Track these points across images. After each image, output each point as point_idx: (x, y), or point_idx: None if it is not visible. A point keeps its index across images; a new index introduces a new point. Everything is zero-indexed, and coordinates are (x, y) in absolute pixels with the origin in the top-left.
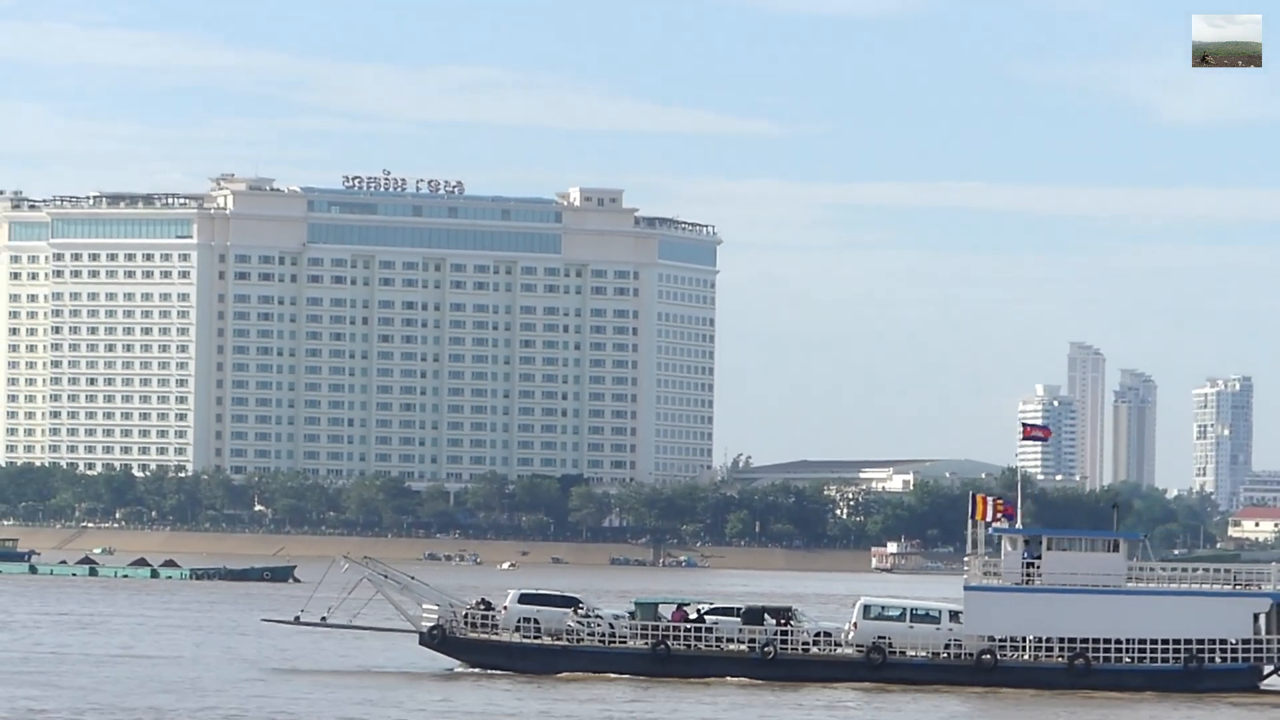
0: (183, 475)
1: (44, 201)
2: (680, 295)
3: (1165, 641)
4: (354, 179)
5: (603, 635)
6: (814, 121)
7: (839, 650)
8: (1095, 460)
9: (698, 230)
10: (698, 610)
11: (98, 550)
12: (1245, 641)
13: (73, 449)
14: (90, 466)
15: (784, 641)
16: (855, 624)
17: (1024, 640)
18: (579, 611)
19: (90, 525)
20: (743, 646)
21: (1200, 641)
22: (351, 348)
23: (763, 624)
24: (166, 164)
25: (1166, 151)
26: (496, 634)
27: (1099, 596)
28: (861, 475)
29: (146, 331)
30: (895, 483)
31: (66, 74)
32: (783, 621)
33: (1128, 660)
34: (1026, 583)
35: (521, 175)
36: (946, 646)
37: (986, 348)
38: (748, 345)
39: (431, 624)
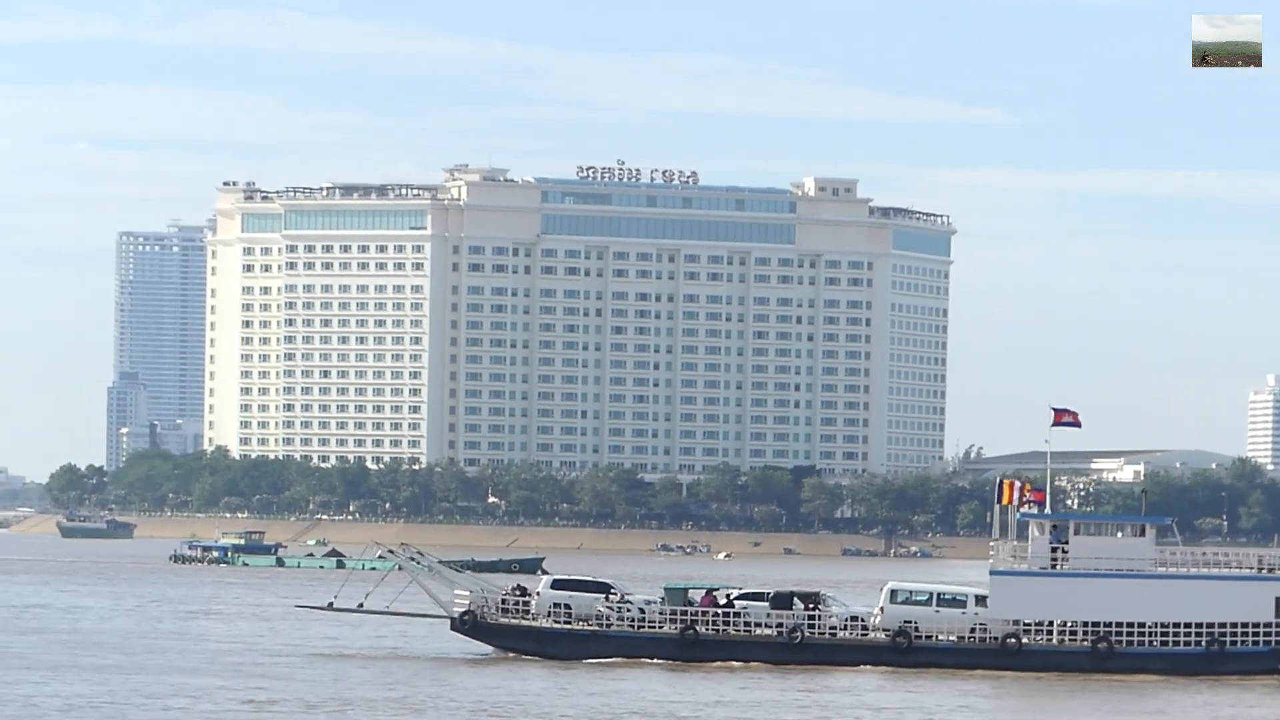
0: (416, 467)
1: (277, 193)
2: (914, 285)
3: (1188, 625)
4: (588, 169)
5: (633, 620)
6: (1048, 110)
7: (866, 635)
8: None
9: (931, 220)
10: (727, 595)
11: (311, 542)
12: (1267, 625)
13: (306, 441)
14: (324, 459)
15: (811, 626)
16: (882, 608)
17: (1049, 624)
18: (610, 597)
19: (324, 518)
20: (770, 631)
21: (1222, 625)
22: (585, 339)
23: (791, 609)
24: (397, 155)
25: None
26: (528, 619)
27: (1122, 580)
28: (1092, 466)
29: (380, 323)
30: (1126, 473)
31: (296, 64)
32: (811, 606)
33: (1151, 644)
34: (1053, 567)
35: (755, 165)
36: (972, 630)
37: (1218, 337)
38: (980, 335)
39: (463, 610)
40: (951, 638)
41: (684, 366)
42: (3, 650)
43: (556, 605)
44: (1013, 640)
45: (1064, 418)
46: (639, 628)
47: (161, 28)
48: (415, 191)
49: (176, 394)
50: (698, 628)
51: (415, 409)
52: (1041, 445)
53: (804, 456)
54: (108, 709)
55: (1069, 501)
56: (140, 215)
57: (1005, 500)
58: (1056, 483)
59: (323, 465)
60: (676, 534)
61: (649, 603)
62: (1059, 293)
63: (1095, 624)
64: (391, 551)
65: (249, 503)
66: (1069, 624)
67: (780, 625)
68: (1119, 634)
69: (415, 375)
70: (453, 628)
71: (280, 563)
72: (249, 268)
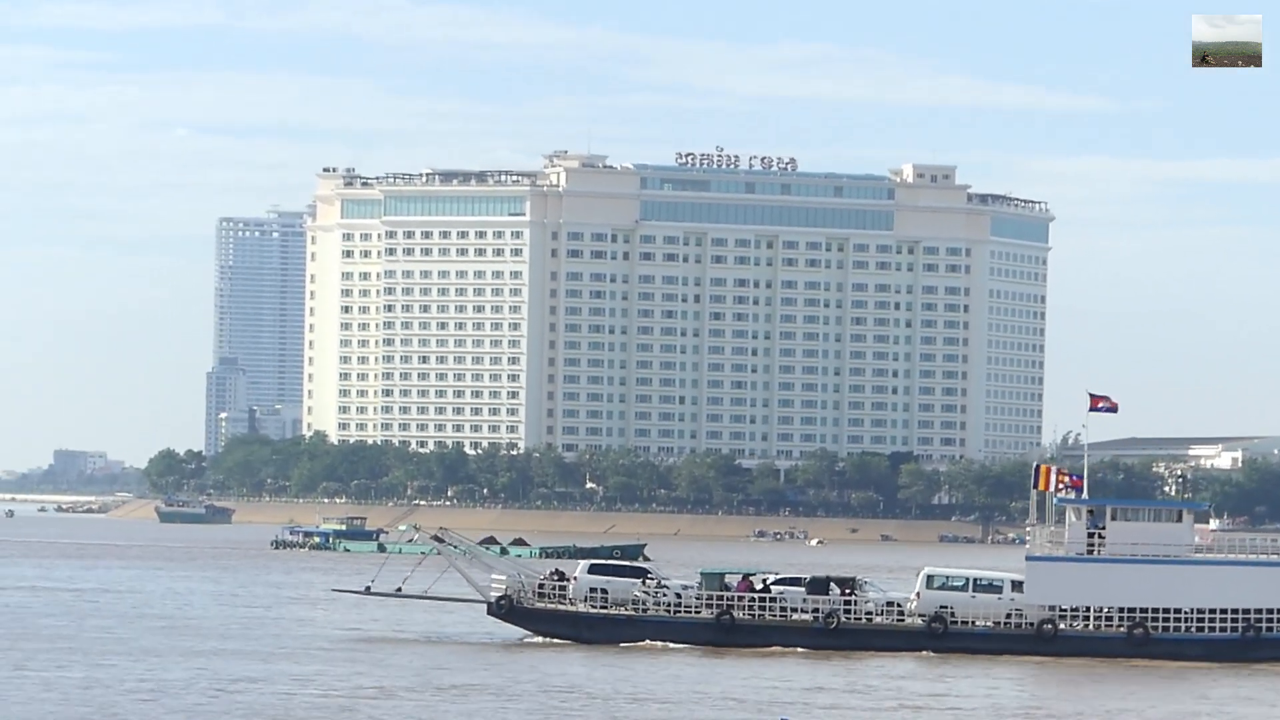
0: (514, 453)
1: (376, 179)
2: (1012, 272)
3: (1223, 611)
4: (687, 156)
5: (669, 605)
6: (1147, 98)
7: (902, 620)
8: None
9: (1030, 207)
10: (764, 580)
11: (402, 528)
12: None
13: (405, 427)
14: (422, 444)
15: (848, 611)
16: (918, 594)
17: (1084, 610)
18: (646, 582)
19: (422, 503)
20: (806, 616)
21: (1258, 611)
22: (683, 325)
23: (828, 594)
24: (497, 141)
25: None
26: (564, 604)
27: (1158, 566)
28: (1190, 452)
29: (478, 309)
30: (1224, 460)
31: (398, 51)
32: (848, 591)
33: (1186, 630)
34: (1090, 553)
35: (854, 152)
36: (1008, 616)
37: None
38: (1079, 322)
39: (499, 594)
40: (987, 623)
41: (782, 353)
42: (103, 635)
43: (593, 590)
44: (1048, 626)
45: (1100, 403)
46: (675, 612)
47: (264, 15)
48: (515, 178)
49: (275, 379)
50: (734, 612)
51: (514, 394)
52: (1140, 431)
53: (902, 443)
54: (209, 694)
55: (1165, 488)
56: (240, 201)
57: (1042, 486)
58: (1154, 469)
59: (421, 451)
60: (774, 520)
61: (685, 587)
62: (1157, 279)
63: (1131, 610)
64: (438, 539)
65: (347, 488)
66: (1105, 609)
67: (816, 610)
68: (1155, 620)
69: (514, 361)
70: (489, 612)
71: (381, 548)
72: (348, 254)
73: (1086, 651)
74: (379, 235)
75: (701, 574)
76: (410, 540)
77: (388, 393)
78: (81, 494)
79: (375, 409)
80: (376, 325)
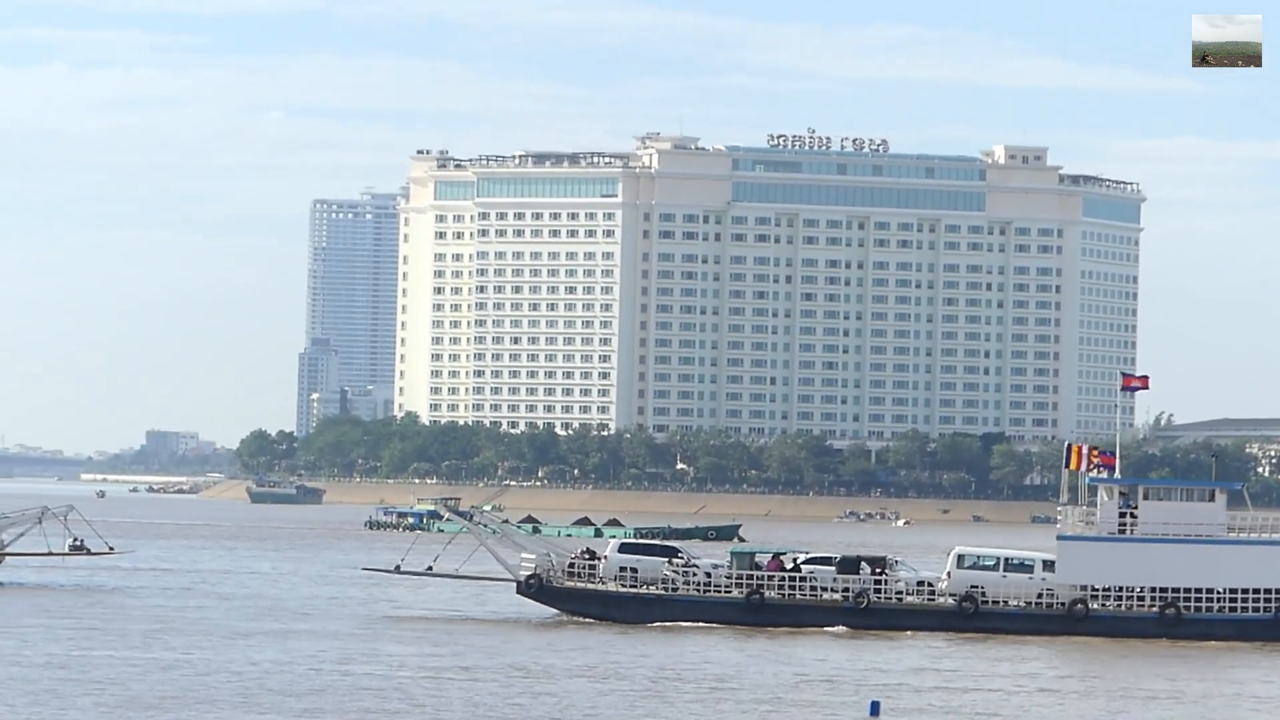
0: (605, 434)
1: (469, 161)
2: (1104, 253)
3: (1255, 591)
4: (779, 138)
5: (699, 584)
6: (1237, 80)
7: (933, 600)
8: None
9: (1121, 188)
10: (794, 560)
11: (487, 508)
12: None
13: (496, 408)
14: (513, 425)
15: (878, 590)
16: (949, 573)
17: (1116, 590)
18: (674, 562)
19: (512, 484)
20: (837, 596)
21: None
22: (774, 306)
23: (858, 573)
24: (588, 123)
25: None
26: (594, 583)
27: (1189, 546)
28: None
29: (570, 290)
30: None
31: (491, 35)
32: (878, 571)
33: (1218, 610)
34: (1121, 533)
35: (945, 133)
36: (1039, 596)
37: None
38: (1171, 302)
39: (529, 573)
40: (1018, 603)
41: (873, 333)
42: (200, 617)
43: (623, 569)
44: (1080, 606)
45: (1132, 382)
46: (705, 592)
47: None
48: (607, 159)
49: (367, 360)
50: (764, 592)
51: (605, 375)
52: (1233, 412)
53: (994, 424)
54: (305, 674)
55: (1258, 469)
56: (334, 183)
57: (1074, 465)
58: (1247, 449)
59: (512, 431)
60: (865, 501)
61: (716, 566)
62: (1250, 259)
63: (1163, 589)
64: (471, 518)
65: (438, 469)
66: (1137, 589)
67: (847, 590)
68: (1187, 600)
69: (605, 342)
70: (519, 591)
71: None
72: (441, 235)
73: (1118, 632)
74: (472, 217)
75: (731, 553)
76: (445, 519)
77: (479, 374)
78: (173, 475)
79: (467, 390)
80: (469, 306)
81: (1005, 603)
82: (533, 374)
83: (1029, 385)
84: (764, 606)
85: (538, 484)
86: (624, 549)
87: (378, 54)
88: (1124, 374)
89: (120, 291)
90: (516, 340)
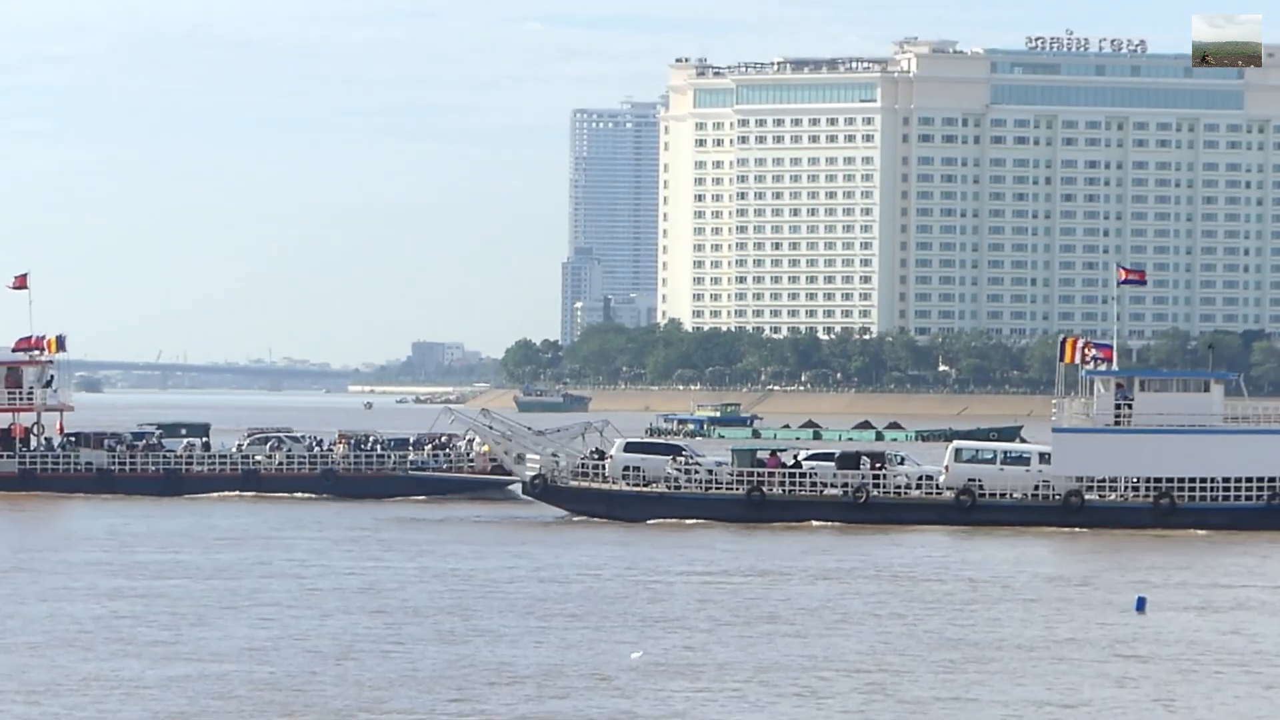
0: (867, 337)
1: (728, 69)
2: None
3: (1249, 480)
4: (1037, 40)
5: (702, 482)
6: None
7: (932, 494)
8: None
9: None
10: (794, 456)
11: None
12: None
13: (758, 313)
14: (775, 330)
15: (877, 485)
16: (947, 467)
17: (1111, 481)
18: (677, 460)
19: (776, 388)
20: (836, 491)
21: None
22: (1034, 208)
23: (858, 469)
24: (846, 28)
25: None
26: (598, 482)
27: (1183, 436)
28: None
29: (830, 195)
30: None
31: None
32: (877, 466)
33: (1212, 499)
34: (1118, 424)
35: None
36: (1035, 488)
37: None
38: None
39: (534, 473)
40: (1015, 495)
41: (1133, 233)
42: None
43: (628, 468)
44: (1075, 497)
45: (1128, 275)
46: (708, 489)
47: None
48: (865, 65)
49: (630, 268)
50: (764, 489)
51: (866, 279)
52: None
53: (1254, 320)
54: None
55: None
56: (593, 93)
57: (1069, 359)
58: None
59: (774, 337)
60: None
61: (718, 464)
62: None
63: (1157, 480)
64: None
65: (701, 375)
66: (1131, 480)
67: (846, 485)
68: (1181, 489)
69: (865, 246)
70: (524, 491)
71: (756, 434)
72: (701, 143)
73: (1112, 522)
74: (731, 124)
75: (733, 451)
76: (451, 421)
77: (741, 280)
78: (439, 385)
79: (729, 296)
80: (729, 214)
81: (1002, 496)
82: (794, 279)
83: None
84: (765, 502)
85: (800, 388)
86: (629, 448)
87: None
88: (1120, 267)
89: (384, 205)
90: (777, 246)
